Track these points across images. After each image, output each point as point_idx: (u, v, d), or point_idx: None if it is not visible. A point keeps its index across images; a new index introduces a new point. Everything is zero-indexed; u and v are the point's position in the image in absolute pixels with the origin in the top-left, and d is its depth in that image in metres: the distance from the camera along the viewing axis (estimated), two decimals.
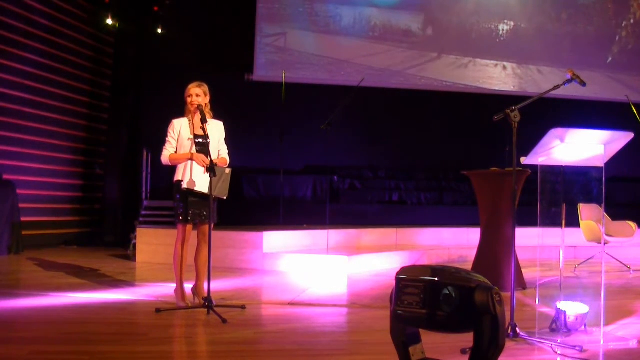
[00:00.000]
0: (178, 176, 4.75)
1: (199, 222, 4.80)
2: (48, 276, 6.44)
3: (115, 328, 4.13)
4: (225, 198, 4.82)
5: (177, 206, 4.75)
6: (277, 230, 7.94)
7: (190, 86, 4.83)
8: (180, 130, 4.78)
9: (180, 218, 4.73)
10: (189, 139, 4.78)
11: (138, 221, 8.95)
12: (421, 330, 2.66)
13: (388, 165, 11.25)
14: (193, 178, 4.67)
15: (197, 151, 4.74)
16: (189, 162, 4.71)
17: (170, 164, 4.80)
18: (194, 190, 4.68)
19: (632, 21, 11.58)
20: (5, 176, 8.45)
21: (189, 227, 4.79)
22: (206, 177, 4.58)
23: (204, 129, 4.66)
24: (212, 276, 4.62)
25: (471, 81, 11.25)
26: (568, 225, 4.43)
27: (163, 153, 4.79)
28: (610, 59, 11.55)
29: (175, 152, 4.79)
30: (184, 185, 4.68)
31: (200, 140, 4.73)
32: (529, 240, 6.61)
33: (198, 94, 4.79)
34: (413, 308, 2.49)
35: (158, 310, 4.49)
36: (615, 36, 11.59)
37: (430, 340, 2.81)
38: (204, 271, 4.81)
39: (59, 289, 5.52)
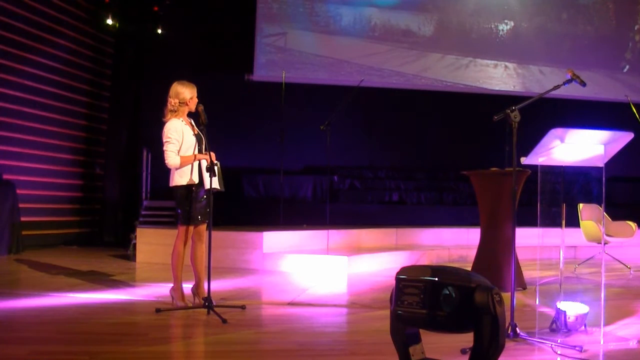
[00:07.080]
0: (189, 179, 4.66)
1: (200, 222, 4.80)
2: (48, 276, 6.44)
3: (115, 328, 4.13)
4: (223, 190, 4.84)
5: (186, 207, 4.68)
6: (277, 230, 7.93)
7: (192, 88, 4.79)
8: (183, 132, 4.71)
9: (189, 220, 4.70)
10: (195, 135, 4.76)
11: (138, 221, 8.95)
12: (421, 330, 2.66)
13: (388, 165, 11.24)
14: (206, 178, 4.61)
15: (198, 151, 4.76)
16: (197, 162, 4.68)
17: (179, 167, 4.67)
18: (213, 189, 4.63)
19: (635, 18, 11.58)
20: (5, 176, 8.44)
21: (191, 227, 4.78)
22: (208, 175, 4.59)
23: (201, 129, 4.72)
24: (212, 276, 4.62)
25: (471, 81, 11.24)
26: (568, 225, 4.44)
27: (171, 156, 4.62)
28: (610, 59, 11.53)
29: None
30: (207, 185, 4.60)
31: (199, 140, 4.77)
32: (529, 240, 6.60)
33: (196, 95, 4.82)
34: (413, 308, 2.49)
35: (158, 310, 4.49)
36: (616, 36, 11.58)
37: (430, 340, 2.81)
38: (202, 271, 4.80)
39: (59, 289, 5.52)
